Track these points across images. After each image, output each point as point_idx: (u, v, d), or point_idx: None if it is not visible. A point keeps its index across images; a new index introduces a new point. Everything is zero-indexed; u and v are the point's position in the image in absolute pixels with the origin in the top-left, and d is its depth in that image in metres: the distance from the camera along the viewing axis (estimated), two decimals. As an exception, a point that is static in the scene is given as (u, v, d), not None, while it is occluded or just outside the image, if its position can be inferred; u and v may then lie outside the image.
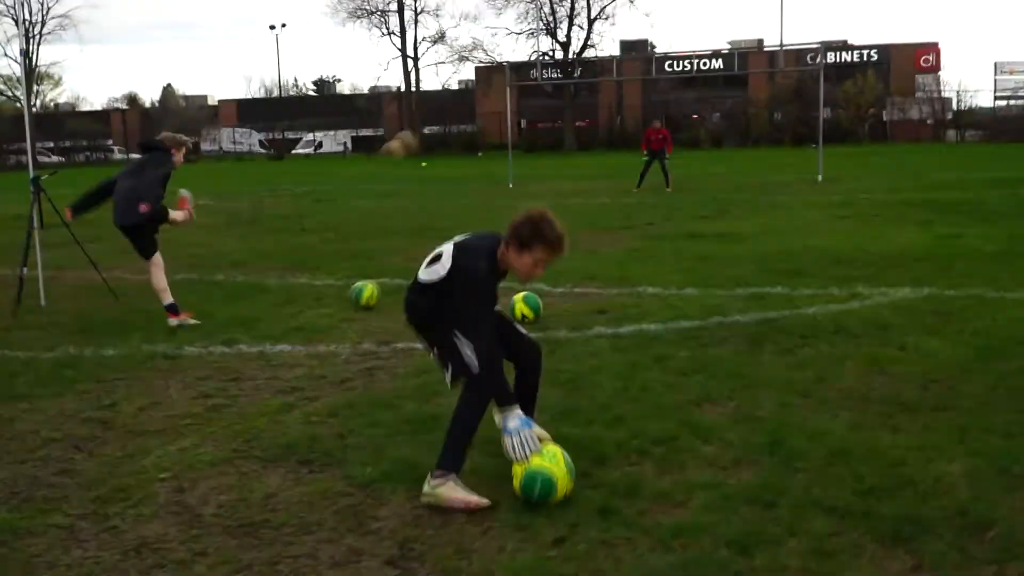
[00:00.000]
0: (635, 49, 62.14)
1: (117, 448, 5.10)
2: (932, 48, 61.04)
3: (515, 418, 4.17)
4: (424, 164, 45.22)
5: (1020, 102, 57.50)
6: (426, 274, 4.39)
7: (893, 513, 3.87)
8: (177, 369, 6.76)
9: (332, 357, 6.98)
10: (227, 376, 6.52)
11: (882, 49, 62.26)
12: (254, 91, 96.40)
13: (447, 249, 4.35)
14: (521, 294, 8.10)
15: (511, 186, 26.50)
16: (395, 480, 4.45)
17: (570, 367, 6.36)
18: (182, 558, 3.76)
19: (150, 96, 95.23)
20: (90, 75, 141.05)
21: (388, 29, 63.32)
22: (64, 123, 71.54)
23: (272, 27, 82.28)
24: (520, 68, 52.56)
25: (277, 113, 75.93)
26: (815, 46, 53.50)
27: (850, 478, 4.25)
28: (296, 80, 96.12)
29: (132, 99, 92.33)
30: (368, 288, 8.77)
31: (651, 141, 24.16)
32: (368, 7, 62.10)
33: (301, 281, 10.57)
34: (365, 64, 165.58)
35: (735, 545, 3.65)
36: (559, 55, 61.40)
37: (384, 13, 62.70)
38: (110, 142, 72.79)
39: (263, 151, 70.14)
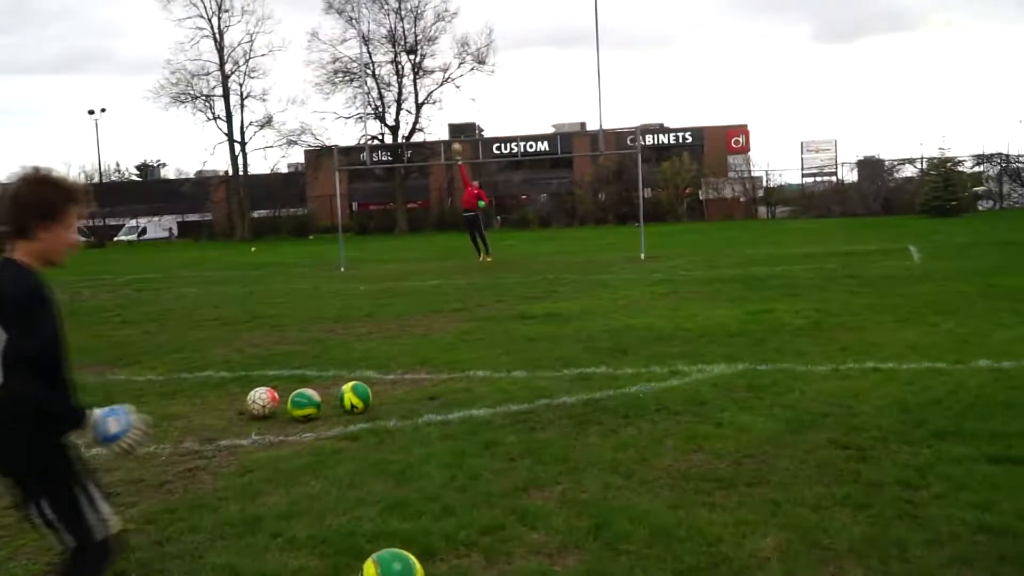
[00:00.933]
0: (463, 132, 63.21)
1: (-89, 571, 4.73)
2: (742, 130, 64.56)
3: (108, 421, 3.44)
4: (253, 249, 44.37)
5: (825, 178, 61.25)
6: None
7: (710, 592, 3.98)
8: (-19, 479, 6.34)
9: (151, 458, 6.70)
10: (37, 484, 6.14)
11: (696, 131, 65.42)
12: (73, 176, 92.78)
13: None
14: (350, 384, 8.03)
15: (343, 269, 26.33)
16: (216, 589, 4.29)
17: (399, 457, 6.33)
18: None
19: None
20: None
21: (214, 114, 62.35)
22: None
23: (91, 112, 79.67)
24: (350, 151, 52.59)
25: (98, 199, 73.36)
26: (634, 129, 55.93)
27: (670, 558, 4.36)
28: (118, 165, 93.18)
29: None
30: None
31: (468, 200, 25.48)
32: (192, 91, 61.12)
33: (120, 378, 10.15)
34: (191, 148, 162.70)
35: (560, 635, 3.67)
36: (388, 139, 61.92)
37: (209, 98, 61.79)
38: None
39: (82, 238, 67.43)
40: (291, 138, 61.84)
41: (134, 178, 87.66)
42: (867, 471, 5.54)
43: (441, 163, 52.73)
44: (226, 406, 8.37)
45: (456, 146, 28.73)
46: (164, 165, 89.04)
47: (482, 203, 25.41)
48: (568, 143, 60.06)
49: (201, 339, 12.80)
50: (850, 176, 59.79)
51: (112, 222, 69.92)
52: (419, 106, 61.86)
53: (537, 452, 6.29)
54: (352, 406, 7.82)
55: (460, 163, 26.94)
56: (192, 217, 70.10)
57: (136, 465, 6.53)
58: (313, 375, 9.66)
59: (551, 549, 4.60)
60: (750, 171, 60.79)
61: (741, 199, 59.46)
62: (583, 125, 64.25)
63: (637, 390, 8.12)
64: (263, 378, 9.35)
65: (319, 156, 60.62)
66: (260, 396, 7.89)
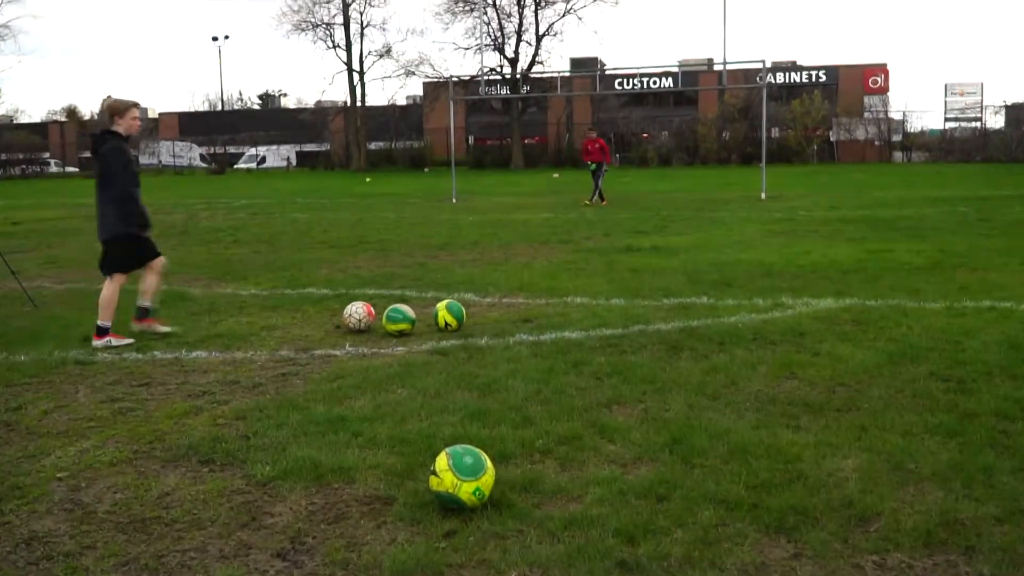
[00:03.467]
0: (584, 66, 62.70)
1: (18, 449, 5.10)
2: (881, 69, 62.33)
3: None
4: (368, 180, 45.17)
5: (969, 124, 58.76)
6: None
7: (780, 505, 4.01)
8: (87, 374, 6.75)
9: (247, 363, 7.01)
10: (137, 381, 6.53)
11: (830, 70, 63.45)
12: (197, 104, 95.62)
13: None
14: (444, 302, 8.20)
15: (455, 201, 26.65)
16: (294, 478, 4.51)
17: (486, 372, 6.46)
18: (70, 550, 3.80)
19: (90, 108, 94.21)
20: (29, 87, 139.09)
21: (334, 42, 63.27)
22: (0, 136, 70.44)
23: (215, 39, 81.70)
24: (467, 84, 52.72)
25: (220, 127, 75.42)
26: (763, 65, 54.34)
27: (744, 473, 4.39)
28: (241, 94, 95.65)
29: (71, 111, 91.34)
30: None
31: (589, 152, 24.65)
32: (313, 20, 62.02)
33: (226, 291, 10.57)
34: (311, 77, 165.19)
35: (622, 534, 3.76)
36: (507, 72, 61.76)
37: (329, 26, 62.63)
38: (47, 155, 71.83)
39: (204, 165, 69.64)
40: (409, 69, 62.30)
41: (255, 107, 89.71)
42: (964, 402, 5.44)
43: (559, 95, 52.30)
44: (325, 320, 8.67)
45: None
46: (285, 95, 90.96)
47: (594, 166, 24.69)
48: (693, 80, 58.89)
49: (307, 260, 13.20)
50: (994, 122, 57.17)
51: (232, 150, 71.85)
52: (539, 38, 61.48)
53: (624, 372, 6.34)
54: (446, 324, 8.00)
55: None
56: (310, 147, 71.52)
57: (232, 369, 6.83)
58: (412, 295, 9.89)
59: (625, 459, 4.68)
60: (887, 113, 58.64)
61: (875, 142, 57.56)
62: (710, 62, 62.53)
63: (736, 320, 8.08)
64: (363, 296, 9.65)
65: (437, 88, 60.93)
66: (357, 310, 8.11)
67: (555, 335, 7.65)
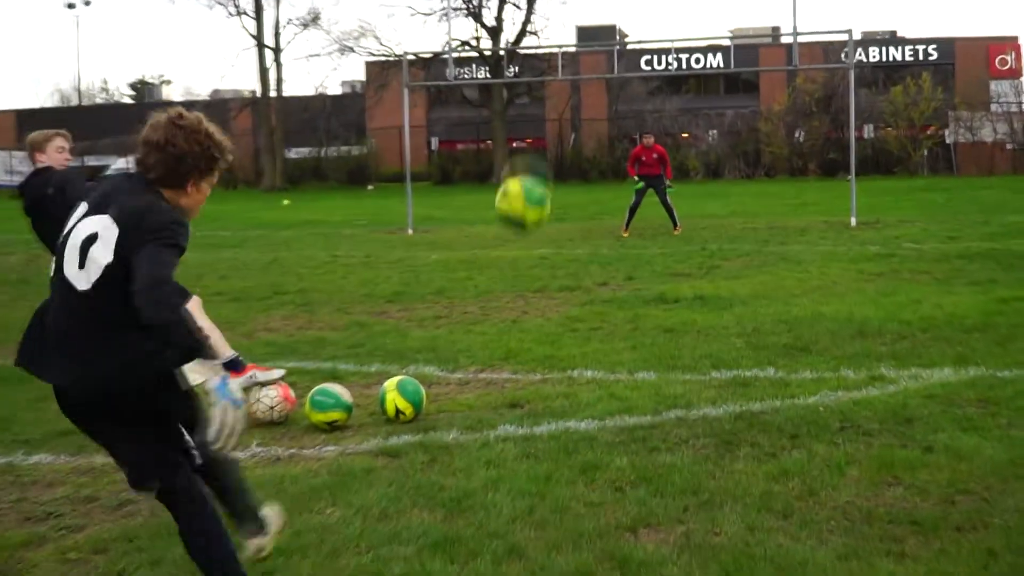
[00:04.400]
0: (597, 38, 62.92)
1: None
2: (1011, 45, 62.86)
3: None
4: (287, 202, 45.17)
5: None
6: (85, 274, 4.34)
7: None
8: None
9: (110, 471, 6.94)
10: (-49, 499, 6.46)
11: (943, 44, 64.03)
12: (44, 99, 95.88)
13: (100, 221, 4.36)
14: (395, 380, 8.16)
15: (411, 232, 26.72)
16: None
17: (455, 482, 6.45)
18: None
19: None
20: None
21: (237, 7, 63.41)
22: None
23: (70, 5, 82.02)
24: (429, 64, 52.85)
25: (76, 128, 75.50)
26: (849, 38, 54.47)
27: (829, 627, 4.36)
28: (106, 83, 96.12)
29: None
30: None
31: (643, 163, 24.43)
32: (208, -24, 62.45)
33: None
34: (205, 59, 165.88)
35: None
36: (487, 46, 61.60)
37: (232, -15, 62.90)
38: None
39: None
40: (345, 43, 62.23)
41: (126, 100, 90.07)
42: None
43: (560, 78, 51.95)
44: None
45: None
46: (168, 83, 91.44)
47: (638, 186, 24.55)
48: (751, 58, 59.25)
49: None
50: None
51: (93, 162, 71.86)
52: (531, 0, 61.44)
53: (656, 480, 6.34)
54: (398, 412, 7.97)
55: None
56: None
57: (89, 480, 6.77)
58: (348, 370, 9.85)
59: (657, 608, 4.65)
60: (1022, 105, 58.89)
61: (1007, 145, 57.72)
62: (774, 32, 63.22)
63: (816, 401, 8.09)
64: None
65: (385, 70, 60.62)
66: (268, 394, 8.07)
67: (555, 426, 7.64)
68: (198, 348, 4.22)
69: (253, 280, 17.29)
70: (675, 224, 24.22)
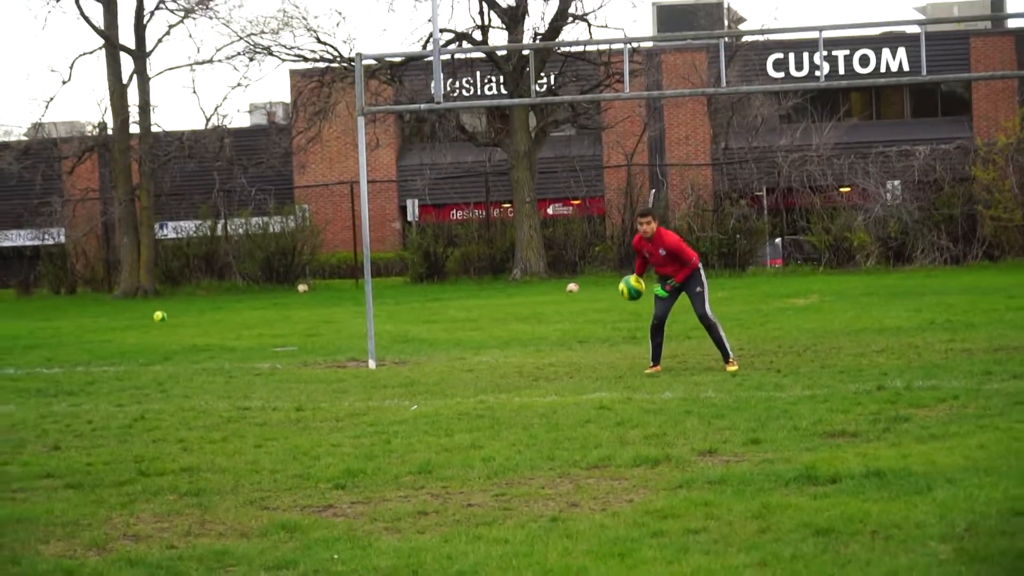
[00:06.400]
0: (690, 25, 44.71)
1: None
2: None
3: None
4: (161, 316, 35.00)
5: None
6: None
7: None
8: None
9: None
10: None
11: None
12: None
13: None
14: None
15: (371, 364, 20.56)
16: None
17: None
18: None
19: None
20: None
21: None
22: None
23: None
24: (400, 73, 37.69)
25: None
26: None
27: None
28: None
29: None
30: None
31: (653, 257, 17.89)
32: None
33: None
34: (20, 73, 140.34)
35: None
36: (499, 42, 41.86)
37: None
38: None
39: None
40: (257, 43, 46.21)
41: None
42: None
43: (629, 95, 35.44)
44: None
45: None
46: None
47: (660, 291, 18.16)
48: (959, 54, 45.41)
49: (12, 518, 9.77)
50: None
51: None
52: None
53: None
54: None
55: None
56: (17, 237, 57.45)
57: None
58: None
59: None
60: None
61: None
62: (995, 11, 48.55)
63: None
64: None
65: (326, 86, 41.90)
66: None
67: None
68: None
69: (106, 452, 12.99)
70: (727, 357, 18.05)
